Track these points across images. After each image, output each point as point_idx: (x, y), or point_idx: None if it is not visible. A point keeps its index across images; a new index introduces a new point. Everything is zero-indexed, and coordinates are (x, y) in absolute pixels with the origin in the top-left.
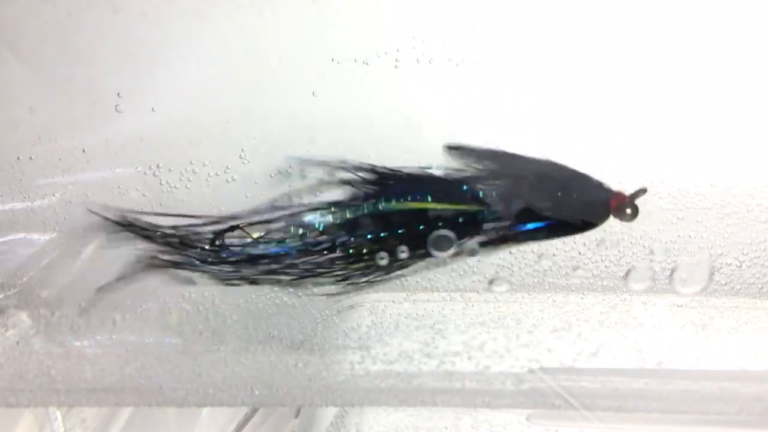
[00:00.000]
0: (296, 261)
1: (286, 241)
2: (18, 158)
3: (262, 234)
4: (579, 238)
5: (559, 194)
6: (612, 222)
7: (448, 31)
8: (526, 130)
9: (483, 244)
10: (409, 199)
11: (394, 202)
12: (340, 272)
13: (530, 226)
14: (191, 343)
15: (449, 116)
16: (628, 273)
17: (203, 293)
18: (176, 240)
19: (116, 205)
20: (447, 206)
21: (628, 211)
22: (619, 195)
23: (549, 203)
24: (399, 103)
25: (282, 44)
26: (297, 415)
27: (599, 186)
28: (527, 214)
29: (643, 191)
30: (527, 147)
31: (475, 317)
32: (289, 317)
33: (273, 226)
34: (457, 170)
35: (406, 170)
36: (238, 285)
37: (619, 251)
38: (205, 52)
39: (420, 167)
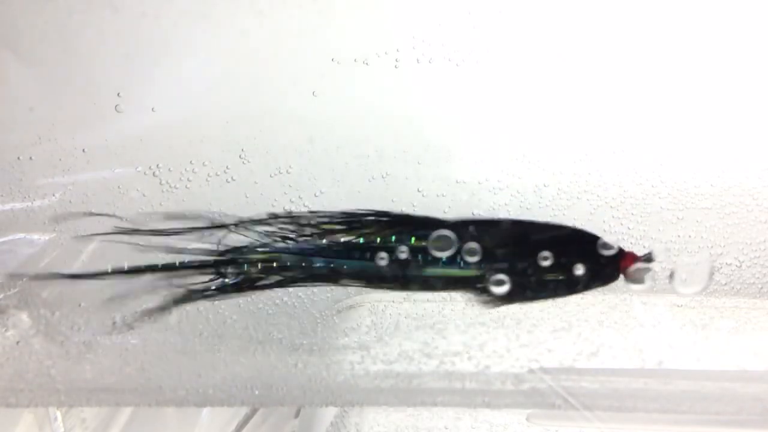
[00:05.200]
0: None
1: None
2: (18, 158)
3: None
4: None
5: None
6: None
7: (448, 31)
8: (526, 130)
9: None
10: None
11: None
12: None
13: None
14: (191, 343)
15: (449, 116)
16: None
17: None
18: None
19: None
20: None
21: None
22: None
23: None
24: (399, 103)
25: (282, 44)
26: (297, 415)
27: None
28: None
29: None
30: (527, 147)
31: (475, 317)
32: (289, 317)
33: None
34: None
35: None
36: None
37: None
38: (205, 52)
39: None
